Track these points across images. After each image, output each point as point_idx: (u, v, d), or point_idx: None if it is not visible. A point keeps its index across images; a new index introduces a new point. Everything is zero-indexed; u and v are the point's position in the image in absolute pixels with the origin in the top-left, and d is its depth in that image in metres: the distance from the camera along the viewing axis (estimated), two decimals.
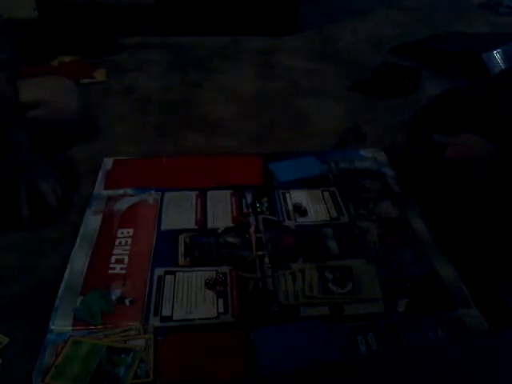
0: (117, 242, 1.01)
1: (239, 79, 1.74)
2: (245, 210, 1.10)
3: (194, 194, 1.15)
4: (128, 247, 1.00)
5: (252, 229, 1.05)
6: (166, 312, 0.86)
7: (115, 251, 0.99)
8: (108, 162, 1.26)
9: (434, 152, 1.04)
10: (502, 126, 1.00)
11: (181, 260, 0.97)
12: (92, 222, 1.06)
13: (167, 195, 1.14)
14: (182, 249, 1.00)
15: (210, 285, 0.92)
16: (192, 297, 0.89)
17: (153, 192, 1.15)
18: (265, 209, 1.11)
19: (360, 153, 1.31)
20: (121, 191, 1.15)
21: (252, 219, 1.08)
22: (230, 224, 1.06)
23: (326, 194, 1.16)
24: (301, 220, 1.09)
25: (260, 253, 0.99)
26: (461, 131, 1.03)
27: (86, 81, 1.66)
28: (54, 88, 1.27)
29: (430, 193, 1.13)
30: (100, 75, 1.71)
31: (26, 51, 1.83)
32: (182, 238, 1.02)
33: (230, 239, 1.03)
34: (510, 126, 1.00)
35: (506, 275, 0.94)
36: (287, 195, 1.15)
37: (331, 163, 1.26)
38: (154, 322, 0.85)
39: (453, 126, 1.06)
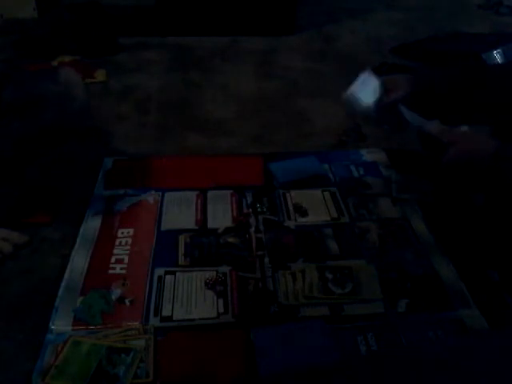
0: (117, 242, 1.01)
1: (239, 79, 1.74)
2: (245, 210, 1.10)
3: (194, 193, 1.15)
4: (128, 247, 1.00)
5: (252, 229, 1.05)
6: (166, 312, 0.86)
7: (115, 251, 0.99)
8: (108, 162, 1.26)
9: (436, 151, 1.03)
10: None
11: (181, 260, 0.97)
12: (92, 222, 1.06)
13: (167, 195, 1.14)
14: (182, 249, 1.00)
15: (210, 285, 0.92)
16: (192, 297, 0.89)
17: (153, 192, 1.15)
18: (265, 209, 1.11)
19: (360, 153, 1.31)
20: (121, 191, 1.15)
21: (252, 219, 1.08)
22: (230, 224, 1.06)
23: (326, 193, 1.16)
24: (301, 220, 1.08)
25: (260, 253, 0.99)
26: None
27: (86, 81, 1.65)
28: (64, 79, 1.23)
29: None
30: (100, 75, 1.72)
31: (26, 51, 1.83)
32: (182, 238, 1.02)
33: (230, 239, 1.02)
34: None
35: (506, 275, 0.94)
36: (287, 195, 1.15)
37: (331, 163, 1.26)
38: (154, 322, 0.85)
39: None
